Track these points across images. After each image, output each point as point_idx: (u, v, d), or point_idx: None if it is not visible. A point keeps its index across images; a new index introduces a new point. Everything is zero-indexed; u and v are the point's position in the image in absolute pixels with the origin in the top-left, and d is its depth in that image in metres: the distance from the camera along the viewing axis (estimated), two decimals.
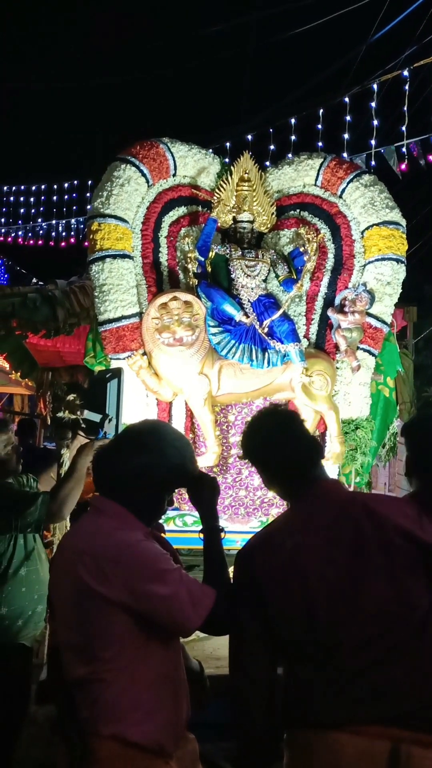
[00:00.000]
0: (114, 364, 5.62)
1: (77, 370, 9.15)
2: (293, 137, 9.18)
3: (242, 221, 6.01)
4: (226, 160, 6.50)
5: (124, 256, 5.70)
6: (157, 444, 2.26)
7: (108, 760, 2.01)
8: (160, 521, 5.20)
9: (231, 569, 5.52)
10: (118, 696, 2.02)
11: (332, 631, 2.11)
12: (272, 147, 9.38)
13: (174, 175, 6.04)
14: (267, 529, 2.41)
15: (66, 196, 14.09)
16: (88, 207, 5.93)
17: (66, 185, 13.97)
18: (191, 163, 6.06)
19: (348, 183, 6.10)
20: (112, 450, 2.32)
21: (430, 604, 1.98)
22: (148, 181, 5.90)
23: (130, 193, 5.79)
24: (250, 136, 9.60)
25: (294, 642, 2.18)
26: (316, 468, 2.36)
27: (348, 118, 8.84)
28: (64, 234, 14.37)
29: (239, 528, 5.90)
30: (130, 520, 2.20)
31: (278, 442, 2.35)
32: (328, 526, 2.19)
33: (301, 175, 6.22)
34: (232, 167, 6.10)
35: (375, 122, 8.50)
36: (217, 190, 6.03)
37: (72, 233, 14.12)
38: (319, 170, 6.17)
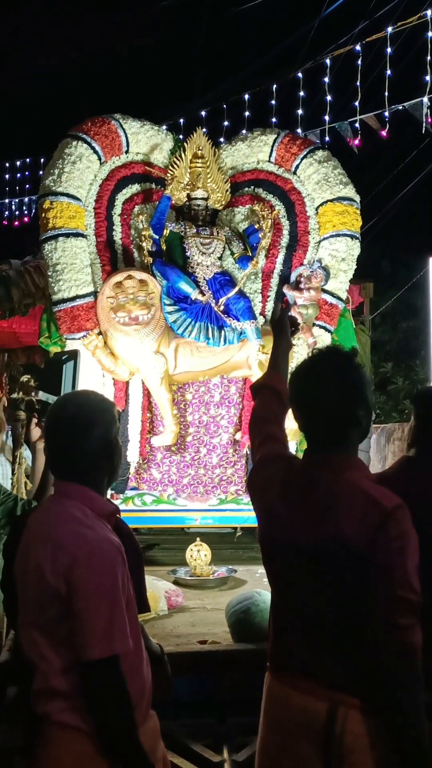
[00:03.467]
0: (69, 344, 5.58)
1: (34, 351, 9.07)
2: (247, 113, 9.12)
3: (196, 198, 5.98)
4: (180, 136, 6.44)
5: (77, 235, 5.64)
6: (95, 415, 2.23)
7: (59, 745, 2.00)
8: (116, 502, 5.20)
9: (197, 547, 5.50)
10: (71, 681, 2.01)
11: (277, 578, 2.26)
12: (226, 123, 9.32)
13: (126, 152, 5.98)
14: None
15: (18, 174, 13.85)
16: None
17: (18, 163, 13.73)
18: (144, 140, 6.00)
19: (302, 159, 6.09)
20: (61, 433, 2.25)
21: (349, 594, 2.01)
22: (100, 158, 5.82)
23: (82, 171, 5.71)
24: (203, 113, 9.52)
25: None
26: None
27: (302, 93, 8.81)
28: (17, 212, 14.14)
29: (198, 506, 5.93)
30: (97, 502, 2.19)
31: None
32: (295, 499, 2.23)
33: (254, 152, 6.19)
34: (185, 144, 6.05)
35: (329, 97, 8.48)
36: (170, 167, 5.98)
37: (25, 211, 13.89)
38: (272, 146, 6.15)
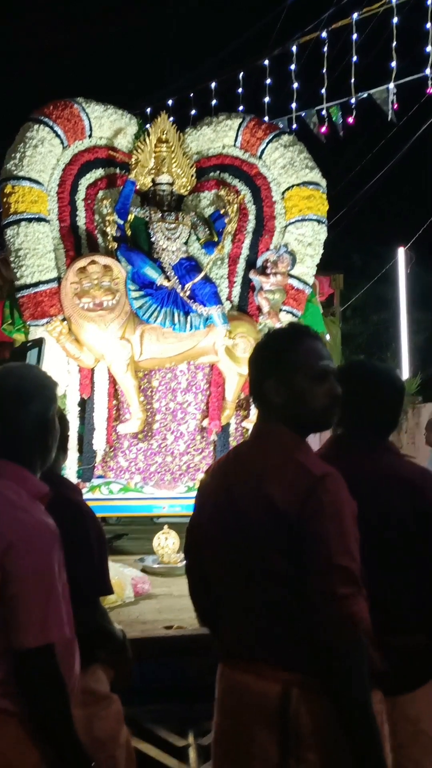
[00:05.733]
0: (33, 331, 5.50)
1: (4, 347, 8.96)
2: (214, 102, 9.06)
3: (161, 183, 5.92)
4: (147, 126, 6.36)
5: (39, 220, 5.56)
6: (35, 389, 2.15)
7: None
8: (76, 475, 5.15)
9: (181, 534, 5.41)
10: (3, 668, 1.89)
11: (211, 567, 2.18)
12: (193, 112, 9.24)
13: (90, 136, 5.90)
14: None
15: None
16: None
17: None
18: (107, 124, 5.93)
19: (267, 143, 6.05)
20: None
21: (288, 566, 1.95)
22: (62, 143, 5.74)
23: (44, 155, 5.63)
24: (170, 102, 9.42)
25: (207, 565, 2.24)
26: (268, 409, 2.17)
27: (268, 81, 8.76)
28: None
29: (166, 494, 5.87)
30: (31, 483, 2.09)
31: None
32: (225, 474, 2.17)
33: (220, 136, 6.14)
34: (149, 128, 6.00)
35: (295, 85, 8.44)
36: (134, 152, 5.91)
37: None
38: (238, 131, 6.11)
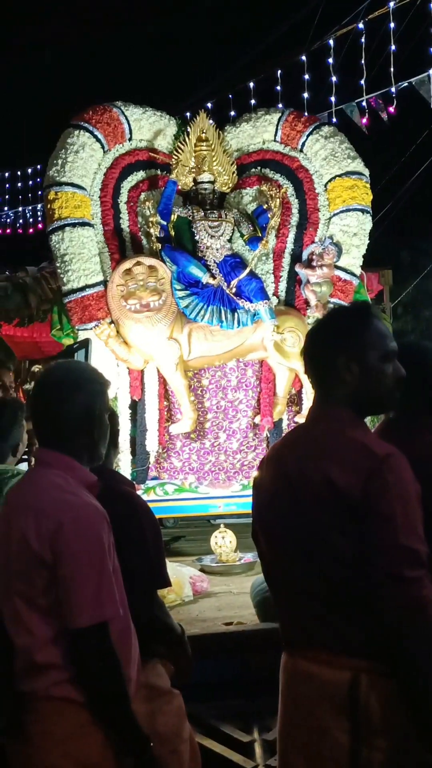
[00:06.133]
0: (81, 335, 5.53)
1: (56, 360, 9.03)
2: (253, 101, 9.02)
3: (203, 182, 5.91)
4: (188, 129, 6.37)
5: (83, 224, 5.59)
6: (81, 382, 2.14)
7: (52, 719, 1.91)
8: (129, 478, 5.15)
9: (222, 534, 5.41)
10: (62, 652, 1.92)
11: (271, 554, 2.12)
12: (233, 113, 9.21)
13: (130, 139, 5.92)
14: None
15: (30, 182, 13.93)
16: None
17: (29, 170, 13.79)
18: (147, 126, 5.94)
19: (308, 136, 6.01)
20: (45, 396, 2.16)
21: (351, 548, 1.89)
22: (103, 147, 5.77)
23: (85, 160, 5.67)
24: (210, 104, 9.41)
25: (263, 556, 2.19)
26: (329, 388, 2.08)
27: (306, 77, 8.69)
28: (31, 220, 14.21)
29: (220, 493, 5.83)
30: (78, 472, 2.10)
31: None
32: (278, 457, 2.13)
33: (259, 132, 6.12)
34: (188, 128, 6.00)
35: (334, 79, 8.36)
36: (175, 152, 5.92)
37: (39, 219, 13.92)
38: (277, 125, 6.08)
